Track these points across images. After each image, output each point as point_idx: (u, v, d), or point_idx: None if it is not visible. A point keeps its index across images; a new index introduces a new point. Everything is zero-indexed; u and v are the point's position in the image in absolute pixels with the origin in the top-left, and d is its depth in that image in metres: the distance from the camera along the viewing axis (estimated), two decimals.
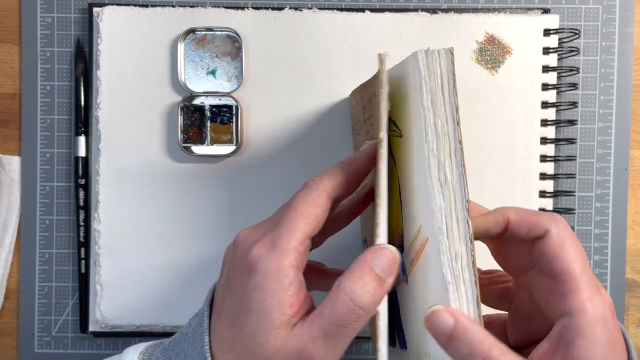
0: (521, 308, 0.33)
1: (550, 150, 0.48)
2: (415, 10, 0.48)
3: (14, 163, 0.49)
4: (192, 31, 0.47)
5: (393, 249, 0.29)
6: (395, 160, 0.33)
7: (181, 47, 0.47)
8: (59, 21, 0.49)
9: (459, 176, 0.29)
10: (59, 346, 0.49)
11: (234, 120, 0.47)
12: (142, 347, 0.33)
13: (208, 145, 0.47)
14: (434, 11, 0.48)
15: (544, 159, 0.47)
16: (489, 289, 0.36)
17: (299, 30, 0.47)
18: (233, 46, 0.47)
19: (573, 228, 0.48)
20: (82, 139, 0.48)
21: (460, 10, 0.48)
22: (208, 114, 0.47)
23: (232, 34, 0.47)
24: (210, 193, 0.48)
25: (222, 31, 0.47)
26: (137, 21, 0.47)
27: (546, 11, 0.48)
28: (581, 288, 0.29)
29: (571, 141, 0.48)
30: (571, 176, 0.49)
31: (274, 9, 0.48)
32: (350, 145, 0.48)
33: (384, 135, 0.29)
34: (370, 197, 0.35)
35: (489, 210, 0.33)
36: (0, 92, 0.50)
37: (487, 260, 0.35)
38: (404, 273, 0.33)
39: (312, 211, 0.30)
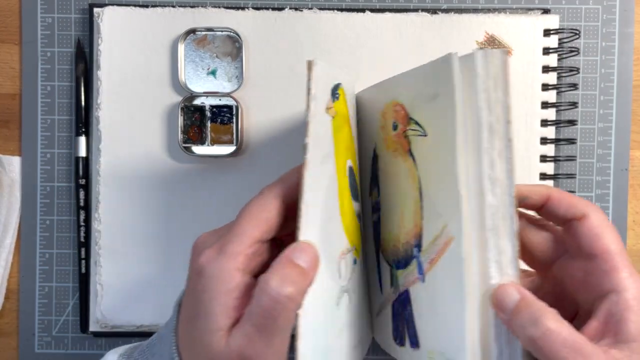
0: (545, 300, 0.33)
1: (550, 150, 0.48)
2: (415, 10, 0.48)
3: (14, 163, 0.49)
4: (192, 31, 0.47)
5: (313, 243, 0.30)
6: (415, 160, 0.34)
7: (181, 47, 0.47)
8: (59, 21, 0.49)
9: (507, 173, 0.30)
10: (59, 346, 0.49)
11: (234, 120, 0.47)
12: (121, 349, 0.34)
13: (208, 145, 0.47)
14: (433, 11, 0.48)
15: (543, 158, 0.47)
16: None
17: (299, 30, 0.48)
18: (233, 46, 0.47)
19: None
20: (82, 139, 0.48)
21: (460, 10, 0.48)
22: (208, 114, 0.47)
23: (232, 34, 0.47)
24: (210, 193, 0.48)
25: (222, 31, 0.47)
26: (137, 21, 0.47)
27: (546, 11, 0.48)
28: (624, 265, 0.30)
29: (571, 141, 0.48)
30: (571, 176, 0.49)
31: (274, 9, 0.48)
32: None
33: (309, 140, 0.30)
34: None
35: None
36: (1, 92, 0.50)
37: None
38: (420, 272, 0.34)
39: (262, 216, 0.31)
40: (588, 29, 0.49)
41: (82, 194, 0.48)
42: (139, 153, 0.47)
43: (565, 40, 0.48)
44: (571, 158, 0.48)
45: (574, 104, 0.48)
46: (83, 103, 0.48)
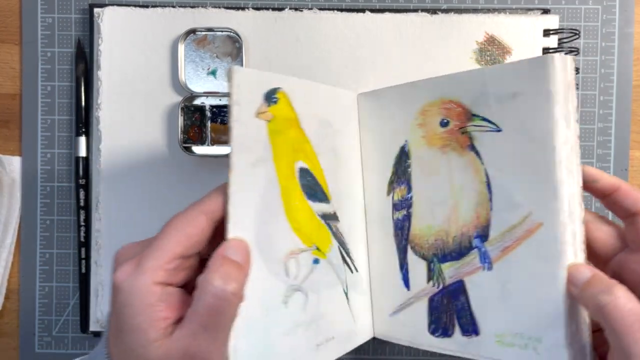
0: None
1: None
2: (415, 10, 0.48)
3: (15, 163, 0.49)
4: (193, 31, 0.47)
5: (242, 239, 0.32)
6: (480, 154, 0.37)
7: (181, 47, 0.47)
8: (60, 21, 0.49)
9: (577, 166, 0.34)
10: (60, 346, 0.49)
11: None
12: None
13: (208, 145, 0.47)
14: (433, 11, 0.48)
15: None
16: None
17: (299, 30, 0.48)
18: (233, 46, 0.47)
19: None
20: (82, 139, 0.49)
21: (460, 11, 0.48)
22: (208, 114, 0.47)
23: (232, 34, 0.47)
24: None
25: (222, 31, 0.47)
26: (138, 21, 0.47)
27: (546, 11, 0.48)
28: None
29: None
30: None
31: (274, 9, 0.48)
32: None
33: (232, 145, 0.33)
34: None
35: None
36: (1, 92, 0.50)
37: None
38: (484, 261, 0.37)
39: (186, 231, 0.31)
40: (588, 29, 0.49)
41: (82, 194, 0.48)
42: (139, 153, 0.48)
43: (565, 40, 0.48)
44: None
45: None
46: (83, 103, 0.49)
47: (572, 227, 0.34)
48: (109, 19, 0.47)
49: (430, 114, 0.40)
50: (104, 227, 0.47)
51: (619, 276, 0.34)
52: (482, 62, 0.47)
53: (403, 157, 0.42)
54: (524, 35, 0.47)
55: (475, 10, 0.48)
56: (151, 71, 0.48)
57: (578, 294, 0.33)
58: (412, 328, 0.41)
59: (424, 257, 0.40)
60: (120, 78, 0.47)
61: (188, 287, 0.32)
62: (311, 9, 0.48)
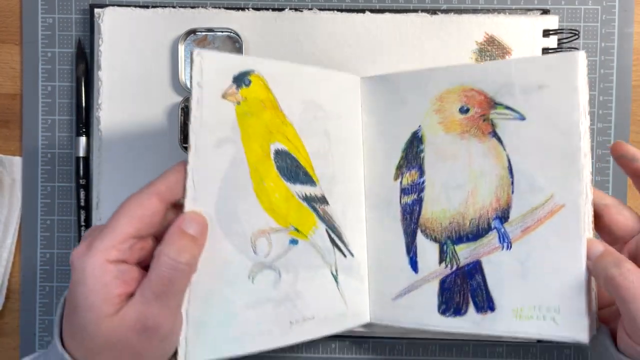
0: None
1: None
2: (415, 10, 0.48)
3: (15, 163, 0.49)
4: (193, 32, 0.47)
5: (200, 213, 0.34)
6: (502, 142, 0.40)
7: (181, 48, 0.47)
8: (60, 22, 0.49)
9: (589, 153, 0.38)
10: None
11: None
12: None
13: None
14: (433, 12, 0.48)
15: None
16: None
17: (299, 31, 0.48)
18: (233, 46, 0.48)
19: None
20: (82, 139, 0.49)
21: (459, 11, 0.48)
22: None
23: (232, 34, 0.47)
24: None
25: (222, 32, 0.47)
26: (138, 22, 0.47)
27: (545, 12, 0.48)
28: None
29: None
30: None
31: (274, 9, 0.48)
32: None
33: (191, 126, 0.35)
34: None
35: None
36: (1, 92, 0.50)
37: None
38: (503, 241, 0.40)
39: (137, 212, 0.32)
40: (587, 30, 0.49)
41: (82, 194, 0.48)
42: (139, 153, 0.48)
43: (564, 40, 0.48)
44: None
45: None
46: (83, 103, 0.49)
47: (587, 207, 0.38)
48: (109, 20, 0.47)
49: (448, 100, 0.41)
50: None
51: (635, 256, 0.37)
52: (482, 63, 0.48)
53: (415, 142, 0.43)
54: (523, 36, 0.47)
55: (475, 11, 0.48)
56: (151, 71, 0.48)
57: (591, 266, 0.37)
58: (419, 310, 0.42)
59: (436, 240, 0.42)
60: (120, 78, 0.48)
61: (146, 265, 0.33)
62: (311, 9, 0.48)
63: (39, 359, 0.35)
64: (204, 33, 0.47)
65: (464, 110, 0.41)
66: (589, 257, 0.37)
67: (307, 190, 0.41)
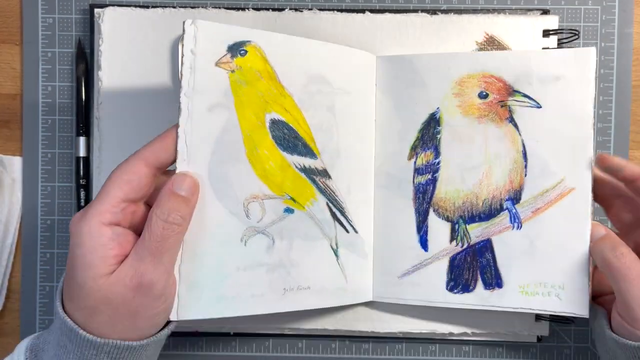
0: None
1: None
2: (415, 11, 0.48)
3: (15, 163, 0.49)
4: None
5: (191, 174, 0.36)
6: (518, 126, 0.43)
7: (181, 48, 0.47)
8: (60, 22, 0.49)
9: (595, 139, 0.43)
10: None
11: None
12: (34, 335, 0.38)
13: None
14: (433, 12, 0.48)
15: None
16: None
17: (299, 31, 0.48)
18: None
19: None
20: (82, 139, 0.49)
21: (459, 11, 0.48)
22: None
23: None
24: None
25: None
26: (138, 22, 0.48)
27: (545, 12, 0.48)
28: None
29: None
30: None
31: (274, 9, 0.48)
32: None
33: (183, 90, 0.37)
34: None
35: None
36: (1, 92, 0.50)
37: None
38: (514, 221, 0.43)
39: (125, 177, 0.35)
40: (587, 30, 0.49)
41: (82, 194, 0.48)
42: None
43: (564, 40, 0.48)
44: None
45: None
46: (83, 103, 0.49)
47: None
48: (109, 20, 0.47)
49: (468, 85, 0.44)
50: None
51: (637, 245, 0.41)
52: None
53: (432, 123, 0.45)
54: (523, 36, 0.47)
55: (474, 11, 0.48)
56: (151, 71, 0.48)
57: (591, 248, 0.40)
58: (426, 287, 0.45)
59: (448, 219, 0.45)
60: (120, 78, 0.48)
61: (139, 231, 0.35)
62: (311, 9, 0.48)
63: (43, 335, 0.37)
64: None
65: (483, 96, 0.44)
66: (590, 239, 0.40)
67: (306, 162, 0.42)
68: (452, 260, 0.44)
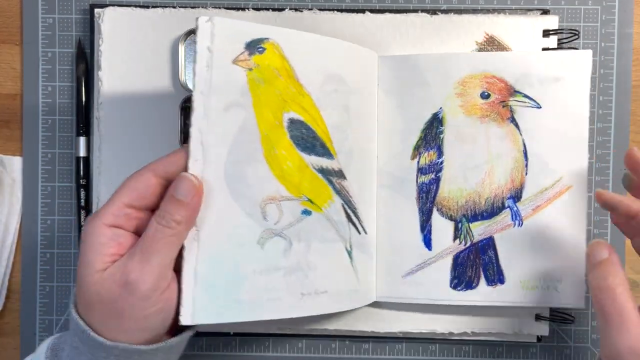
0: None
1: None
2: (415, 11, 0.48)
3: (15, 163, 0.49)
4: (193, 32, 0.47)
5: (192, 176, 0.36)
6: (519, 126, 0.44)
7: (182, 48, 0.47)
8: (60, 22, 0.49)
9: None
10: None
11: None
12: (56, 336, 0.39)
13: None
14: (433, 12, 0.48)
15: None
16: None
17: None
18: None
19: None
20: (82, 139, 0.49)
21: (459, 11, 0.48)
22: None
23: None
24: None
25: None
26: (138, 22, 0.48)
27: (545, 12, 0.48)
28: None
29: None
30: None
31: (274, 9, 0.48)
32: None
33: (197, 87, 0.36)
34: None
35: None
36: (2, 93, 0.50)
37: None
38: (516, 219, 0.44)
39: (132, 185, 0.36)
40: (587, 30, 0.49)
41: (82, 194, 0.48)
42: (139, 153, 0.48)
43: (564, 40, 0.48)
44: None
45: None
46: (84, 103, 0.49)
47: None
48: (109, 20, 0.47)
49: (470, 85, 0.45)
50: None
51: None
52: None
53: (435, 123, 0.45)
54: (523, 36, 0.47)
55: (474, 11, 0.48)
56: (151, 71, 0.48)
57: (588, 270, 0.37)
58: (430, 286, 0.45)
59: (451, 218, 0.45)
60: (120, 78, 0.48)
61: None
62: (311, 9, 0.48)
63: (63, 335, 0.38)
64: None
65: (485, 96, 0.44)
66: (591, 260, 0.37)
67: (324, 162, 0.41)
68: (456, 258, 0.45)
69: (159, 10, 0.48)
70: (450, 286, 0.45)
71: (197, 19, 0.36)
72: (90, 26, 0.48)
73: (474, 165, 0.45)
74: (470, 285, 0.45)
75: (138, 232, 0.36)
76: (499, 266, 0.45)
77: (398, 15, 0.48)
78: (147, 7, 0.48)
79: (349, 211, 0.43)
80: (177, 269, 0.37)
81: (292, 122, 0.40)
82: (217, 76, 0.37)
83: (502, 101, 0.44)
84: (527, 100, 0.44)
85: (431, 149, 0.45)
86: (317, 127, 0.41)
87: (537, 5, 0.49)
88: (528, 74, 0.44)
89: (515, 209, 0.44)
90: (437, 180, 0.45)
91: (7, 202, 0.49)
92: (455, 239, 0.45)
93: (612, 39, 0.49)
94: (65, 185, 0.49)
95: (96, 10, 0.48)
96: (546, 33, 0.47)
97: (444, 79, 0.45)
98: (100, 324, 0.35)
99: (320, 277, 0.41)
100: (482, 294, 0.45)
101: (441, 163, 0.45)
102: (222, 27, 0.37)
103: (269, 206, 0.39)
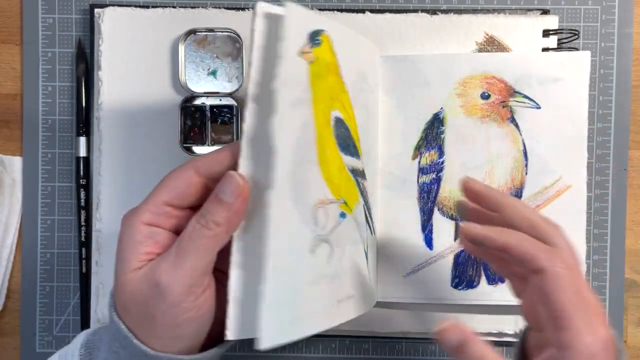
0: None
1: None
2: (415, 11, 0.48)
3: (16, 163, 0.49)
4: (193, 32, 0.47)
5: (238, 175, 0.33)
6: (519, 126, 0.45)
7: (182, 48, 0.47)
8: (60, 22, 0.49)
9: None
10: (60, 346, 0.49)
11: (234, 120, 0.47)
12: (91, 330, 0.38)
13: (208, 145, 0.47)
14: (433, 12, 0.48)
15: None
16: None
17: None
18: (233, 46, 0.48)
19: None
20: (82, 139, 0.49)
21: (459, 11, 0.48)
22: (208, 114, 0.47)
23: (232, 34, 0.47)
24: None
25: (222, 32, 0.47)
26: (138, 22, 0.48)
27: (545, 12, 0.48)
28: (572, 326, 0.30)
29: None
30: None
31: None
32: None
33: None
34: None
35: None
36: (2, 93, 0.50)
37: None
38: None
39: (172, 183, 0.34)
40: (587, 30, 0.49)
41: (82, 194, 0.48)
42: (139, 153, 0.48)
43: (564, 40, 0.48)
44: None
45: None
46: (84, 103, 0.49)
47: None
48: (109, 20, 0.47)
49: (471, 85, 0.45)
50: (104, 227, 0.47)
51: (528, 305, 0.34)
52: None
53: (436, 123, 0.46)
54: (523, 36, 0.47)
55: (474, 11, 0.48)
56: (151, 71, 0.48)
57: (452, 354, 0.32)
58: (431, 285, 0.45)
59: (452, 217, 0.45)
60: (120, 78, 0.48)
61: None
62: (311, 9, 0.48)
63: (99, 332, 0.37)
64: (204, 33, 0.47)
65: (485, 96, 0.45)
66: (448, 345, 0.32)
67: (355, 163, 0.40)
68: (457, 257, 0.45)
69: (159, 10, 0.48)
70: (451, 285, 0.45)
71: (255, 4, 0.32)
72: (90, 26, 0.48)
73: (474, 165, 0.45)
74: (471, 284, 0.45)
75: (177, 232, 0.34)
76: None
77: (398, 15, 0.48)
78: (147, 7, 0.48)
79: (367, 212, 0.42)
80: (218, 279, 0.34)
81: (337, 121, 0.37)
82: (288, 69, 0.32)
83: (502, 101, 0.45)
84: (526, 100, 0.45)
85: (432, 149, 0.46)
86: (351, 125, 0.39)
87: (537, 5, 0.49)
88: (528, 75, 0.44)
89: None
90: (438, 180, 0.46)
91: (7, 202, 0.49)
92: (456, 238, 0.45)
93: (612, 39, 0.49)
94: (65, 185, 0.49)
95: (96, 10, 0.48)
96: (546, 33, 0.47)
97: (444, 79, 0.45)
98: (134, 326, 0.33)
99: (348, 281, 0.39)
100: (483, 293, 0.45)
101: (442, 163, 0.46)
102: (292, 14, 0.33)
103: (319, 211, 0.35)
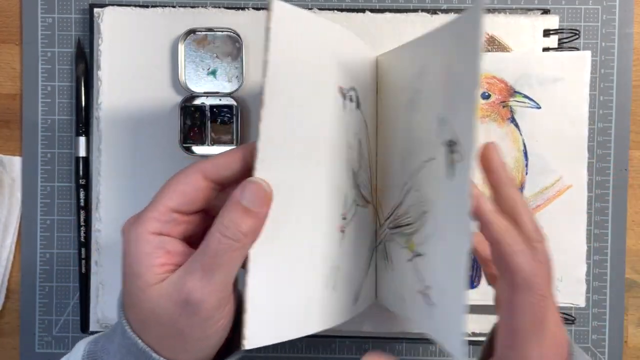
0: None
1: None
2: (415, 10, 0.48)
3: (15, 163, 0.49)
4: (193, 31, 0.47)
5: (261, 181, 0.31)
6: (519, 127, 0.45)
7: (181, 48, 0.47)
8: (60, 21, 0.49)
9: None
10: (60, 346, 0.49)
11: (234, 120, 0.47)
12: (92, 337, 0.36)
13: (208, 145, 0.47)
14: (433, 11, 0.48)
15: None
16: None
17: None
18: (233, 46, 0.48)
19: None
20: (82, 139, 0.49)
21: (459, 11, 0.48)
22: (208, 114, 0.47)
23: (232, 34, 0.47)
24: None
25: (222, 31, 0.47)
26: (138, 21, 0.47)
27: (546, 11, 0.48)
28: (523, 347, 0.33)
29: None
30: None
31: None
32: None
33: (266, 91, 0.32)
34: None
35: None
36: (1, 92, 0.50)
37: None
38: None
39: (179, 188, 0.32)
40: (588, 30, 0.49)
41: (82, 194, 0.48)
42: (139, 153, 0.48)
43: (565, 40, 0.48)
44: None
45: None
46: (83, 103, 0.49)
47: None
48: (109, 19, 0.47)
49: None
50: (104, 227, 0.47)
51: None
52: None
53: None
54: (523, 36, 0.47)
55: None
56: (151, 71, 0.48)
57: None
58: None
59: None
60: (120, 78, 0.48)
61: (195, 241, 0.32)
62: (311, 8, 0.48)
63: (101, 341, 0.35)
64: (204, 33, 0.47)
65: (485, 96, 0.45)
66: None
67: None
68: None
69: (159, 9, 0.48)
70: None
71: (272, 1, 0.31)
72: (89, 26, 0.48)
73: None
74: (471, 284, 0.45)
75: (187, 238, 0.33)
76: None
77: (398, 15, 0.48)
78: (147, 6, 0.48)
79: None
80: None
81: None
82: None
83: (503, 101, 0.45)
84: (526, 100, 0.45)
85: None
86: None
87: (538, 5, 0.49)
88: (528, 75, 0.45)
89: None
90: None
91: (6, 202, 0.49)
92: None
93: (613, 38, 0.49)
94: (65, 185, 0.49)
95: (96, 10, 0.48)
96: (547, 33, 0.47)
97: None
98: (156, 343, 0.32)
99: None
100: (483, 293, 0.45)
101: None
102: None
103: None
